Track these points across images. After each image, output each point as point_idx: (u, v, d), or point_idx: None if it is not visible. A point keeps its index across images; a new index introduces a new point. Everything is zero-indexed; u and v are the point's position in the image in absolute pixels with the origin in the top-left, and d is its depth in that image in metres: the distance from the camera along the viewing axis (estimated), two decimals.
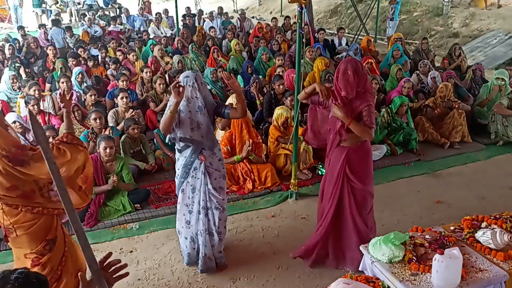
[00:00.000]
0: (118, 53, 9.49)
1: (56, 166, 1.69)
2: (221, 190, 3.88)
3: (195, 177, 3.79)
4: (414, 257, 2.95)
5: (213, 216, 3.88)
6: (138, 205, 5.14)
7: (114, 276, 1.83)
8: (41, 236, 2.99)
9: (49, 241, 3.04)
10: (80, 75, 7.62)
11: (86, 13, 14.98)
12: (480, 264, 2.95)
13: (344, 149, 3.72)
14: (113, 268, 1.83)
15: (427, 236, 3.18)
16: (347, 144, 3.71)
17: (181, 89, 3.49)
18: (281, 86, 6.76)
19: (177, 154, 3.89)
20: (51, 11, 16.64)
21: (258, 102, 7.12)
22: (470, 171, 6.01)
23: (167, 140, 3.91)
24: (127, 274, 1.89)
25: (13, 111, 6.55)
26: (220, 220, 3.92)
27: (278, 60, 8.30)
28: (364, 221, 3.81)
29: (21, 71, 8.29)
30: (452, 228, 3.37)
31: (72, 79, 7.53)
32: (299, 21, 4.63)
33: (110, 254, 1.91)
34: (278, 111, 5.92)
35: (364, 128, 3.56)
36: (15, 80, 7.71)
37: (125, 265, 1.84)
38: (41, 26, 12.48)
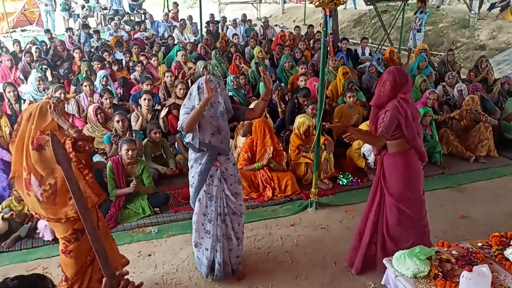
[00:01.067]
0: (141, 58, 9.59)
1: (78, 186, 1.68)
2: (237, 195, 3.82)
3: (212, 184, 3.71)
4: (440, 273, 2.85)
5: (230, 222, 3.83)
6: (158, 209, 5.15)
7: None
8: (69, 224, 3.10)
9: (76, 230, 3.13)
10: (104, 78, 7.71)
11: (113, 18, 15.22)
12: (509, 283, 2.83)
13: (383, 155, 3.74)
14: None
15: (453, 252, 3.08)
16: (388, 150, 3.70)
17: (212, 85, 3.43)
18: (305, 102, 6.65)
19: (191, 162, 3.78)
20: (78, 15, 16.97)
21: (279, 109, 7.08)
22: (496, 186, 5.85)
23: (185, 142, 3.82)
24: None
25: None
26: (238, 226, 3.88)
27: (302, 68, 8.25)
28: (390, 233, 3.74)
29: (48, 73, 8.44)
30: (479, 244, 3.25)
31: (97, 82, 7.64)
32: (324, 29, 4.59)
33: (127, 272, 1.86)
34: (300, 119, 5.87)
35: (370, 136, 3.66)
36: (41, 82, 7.86)
37: (141, 284, 1.79)
38: (68, 29, 12.72)
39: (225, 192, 3.74)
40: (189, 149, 3.76)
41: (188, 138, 3.65)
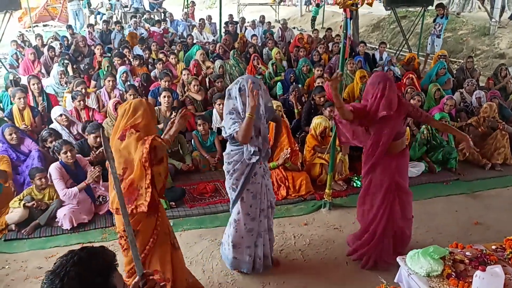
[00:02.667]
0: (160, 55, 9.74)
1: (118, 182, 1.81)
2: (272, 189, 3.98)
3: (255, 182, 3.71)
4: (453, 273, 2.89)
5: (270, 214, 3.98)
6: (173, 203, 5.25)
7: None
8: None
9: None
10: (124, 74, 7.87)
11: (134, 15, 15.45)
12: None
13: (392, 157, 3.88)
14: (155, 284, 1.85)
15: (467, 253, 3.11)
16: (394, 151, 3.88)
17: (254, 92, 3.38)
18: (322, 98, 6.74)
19: (232, 166, 3.69)
20: (99, 12, 17.25)
21: (296, 111, 7.15)
22: (511, 194, 5.83)
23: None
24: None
25: (60, 105, 6.82)
26: (271, 216, 4.03)
27: (318, 70, 8.31)
28: (409, 226, 4.12)
29: (69, 68, 8.63)
30: (493, 247, 3.28)
31: (117, 77, 7.79)
32: (344, 31, 4.65)
33: (156, 271, 1.97)
34: (316, 120, 5.93)
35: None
36: (62, 76, 8.07)
37: (165, 285, 1.87)
38: (89, 26, 12.96)
39: (267, 186, 3.83)
40: (228, 153, 3.72)
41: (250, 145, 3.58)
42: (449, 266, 2.94)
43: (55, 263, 1.47)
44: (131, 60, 9.08)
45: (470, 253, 3.10)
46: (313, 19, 19.66)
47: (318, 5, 19.99)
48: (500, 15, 13.85)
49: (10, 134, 5.41)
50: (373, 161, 3.91)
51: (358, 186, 5.80)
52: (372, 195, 4.03)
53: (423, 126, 6.42)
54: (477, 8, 16.25)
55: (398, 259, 3.17)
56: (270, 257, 4.09)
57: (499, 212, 5.31)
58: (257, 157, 3.58)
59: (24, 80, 7.76)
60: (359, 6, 4.52)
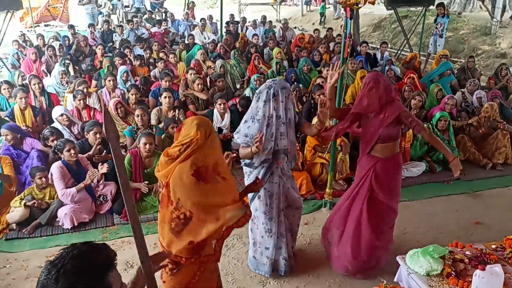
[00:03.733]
0: (161, 55, 9.75)
1: (124, 164, 1.77)
2: (295, 189, 3.93)
3: (272, 182, 3.72)
4: (453, 272, 2.90)
5: (289, 214, 3.94)
6: None
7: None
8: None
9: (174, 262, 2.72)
10: (125, 74, 7.88)
11: (135, 15, 15.48)
12: None
13: (373, 158, 3.70)
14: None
15: (467, 252, 3.12)
16: (378, 155, 3.68)
17: (283, 92, 3.45)
18: (321, 96, 6.74)
19: (245, 168, 3.79)
20: (100, 12, 17.27)
21: (296, 110, 7.12)
22: None
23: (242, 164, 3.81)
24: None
25: (61, 105, 6.84)
26: (294, 217, 3.99)
27: (327, 70, 8.27)
28: (381, 236, 3.78)
29: (70, 67, 8.65)
30: (493, 246, 3.28)
31: (117, 77, 7.80)
32: (345, 30, 4.65)
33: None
34: (317, 119, 5.92)
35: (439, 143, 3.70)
36: (63, 76, 8.08)
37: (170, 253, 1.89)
38: (90, 25, 12.98)
39: (285, 186, 3.79)
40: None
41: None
42: (449, 265, 2.94)
43: (56, 254, 1.48)
44: (132, 60, 9.09)
45: (470, 252, 3.11)
46: (322, 15, 19.76)
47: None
48: (502, 15, 13.85)
49: (6, 135, 5.40)
50: (358, 158, 3.90)
51: None
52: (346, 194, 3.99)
53: (425, 125, 6.39)
54: (479, 8, 16.23)
55: (398, 258, 3.18)
56: (292, 256, 4.10)
57: (500, 212, 5.31)
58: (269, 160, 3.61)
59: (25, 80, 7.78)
60: (360, 5, 4.52)
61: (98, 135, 5.46)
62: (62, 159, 4.95)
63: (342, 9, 4.53)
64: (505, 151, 6.54)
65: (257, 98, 3.56)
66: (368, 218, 3.70)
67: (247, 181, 3.79)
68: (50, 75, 8.74)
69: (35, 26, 16.50)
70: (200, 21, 14.03)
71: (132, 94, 6.92)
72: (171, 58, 9.32)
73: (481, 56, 12.89)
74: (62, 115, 6.00)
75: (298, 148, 5.86)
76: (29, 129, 6.14)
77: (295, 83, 8.02)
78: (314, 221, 5.06)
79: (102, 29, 13.04)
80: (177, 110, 6.49)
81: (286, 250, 3.95)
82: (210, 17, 15.28)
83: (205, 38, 12.83)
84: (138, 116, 5.85)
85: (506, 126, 6.71)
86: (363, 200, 3.72)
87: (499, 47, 12.87)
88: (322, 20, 19.67)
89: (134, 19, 13.47)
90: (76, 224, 4.78)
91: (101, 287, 1.44)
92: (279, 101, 3.44)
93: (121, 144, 6.19)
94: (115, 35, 12.24)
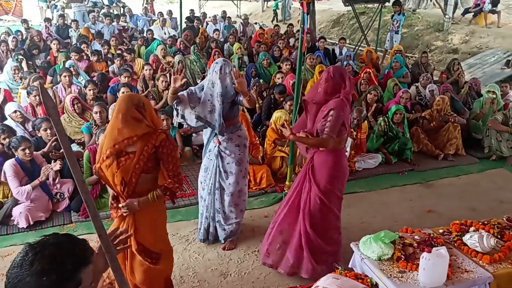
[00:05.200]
0: (119, 51, 9.58)
1: (67, 140, 1.74)
2: (230, 175, 4.14)
3: (209, 158, 4.15)
4: (402, 256, 3.04)
5: (220, 197, 4.20)
6: None
7: (118, 248, 1.92)
8: None
9: None
10: (72, 68, 7.63)
11: (92, 10, 15.12)
12: (466, 266, 3.04)
13: (311, 151, 3.66)
14: (118, 239, 1.92)
15: (416, 237, 3.28)
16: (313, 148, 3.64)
17: (223, 68, 3.85)
18: (281, 98, 6.85)
19: (203, 134, 4.35)
20: (55, 5, 16.76)
21: (257, 105, 7.20)
22: (462, 183, 6.11)
23: (178, 120, 4.15)
24: (130, 246, 1.98)
25: (14, 101, 6.64)
26: (225, 202, 4.23)
27: (286, 65, 8.43)
28: (318, 235, 3.65)
29: (23, 63, 8.38)
30: (441, 231, 3.47)
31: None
32: (302, 25, 4.75)
33: (117, 229, 2.02)
34: (277, 114, 6.03)
35: (316, 140, 3.50)
36: (17, 71, 7.83)
37: (131, 235, 1.91)
38: (47, 20, 12.60)
39: (219, 168, 4.10)
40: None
41: (179, 108, 4.04)
42: (399, 250, 3.09)
43: (37, 240, 1.50)
44: (89, 55, 8.90)
45: (419, 237, 3.27)
46: (275, 13, 19.91)
47: None
48: (453, 12, 14.40)
49: None
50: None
51: None
52: None
53: (381, 118, 6.62)
54: (432, 5, 16.80)
55: (352, 245, 3.30)
56: (215, 233, 4.42)
57: (451, 200, 5.56)
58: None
59: None
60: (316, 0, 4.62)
61: (49, 131, 5.32)
62: (16, 156, 4.81)
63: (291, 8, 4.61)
64: (456, 143, 6.83)
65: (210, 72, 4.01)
66: (303, 213, 3.64)
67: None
68: (2, 70, 8.45)
69: None
70: (159, 15, 13.87)
71: (90, 90, 6.79)
72: (127, 55, 9.19)
73: (434, 52, 13.37)
74: (15, 111, 5.83)
75: (258, 142, 5.95)
76: None
77: (256, 78, 8.09)
78: (274, 213, 5.11)
79: (57, 24, 12.67)
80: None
81: (209, 222, 4.34)
82: (170, 12, 15.13)
83: (165, 34, 12.71)
84: (96, 112, 5.76)
85: (457, 118, 7.02)
86: (306, 197, 3.65)
87: (451, 42, 13.39)
88: (275, 17, 19.82)
89: (91, 14, 13.16)
90: (31, 222, 4.66)
91: (71, 281, 1.46)
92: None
93: (79, 140, 6.08)
94: (71, 30, 11.93)
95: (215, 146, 4.08)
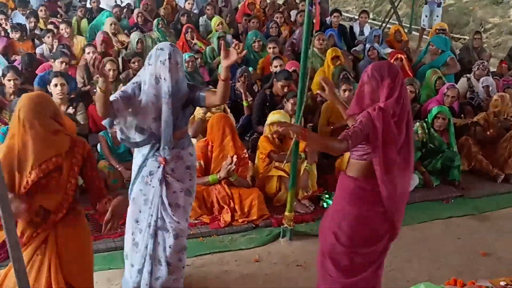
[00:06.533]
0: (50, 26, 9.49)
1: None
2: (177, 208, 3.95)
3: (149, 184, 3.90)
4: None
5: (163, 240, 3.97)
6: None
7: None
8: None
9: None
10: None
11: None
12: None
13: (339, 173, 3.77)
14: None
15: None
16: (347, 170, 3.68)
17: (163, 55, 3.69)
18: (285, 89, 6.81)
19: (135, 151, 4.08)
20: None
21: (245, 104, 7.13)
22: None
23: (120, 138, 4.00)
24: None
25: None
26: (170, 249, 3.97)
27: (270, 48, 8.44)
28: None
29: None
30: (502, 283, 3.46)
31: None
32: None
33: None
34: (273, 116, 6.00)
35: (329, 140, 3.72)
36: None
37: None
38: None
39: (162, 198, 3.88)
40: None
41: (119, 124, 3.86)
42: None
43: None
44: (9, 31, 8.85)
45: None
46: None
47: None
48: None
49: None
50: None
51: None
52: None
53: (417, 124, 6.54)
54: None
55: None
56: None
57: None
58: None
59: None
60: None
61: None
62: None
63: None
64: None
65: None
66: None
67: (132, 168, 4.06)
68: None
69: None
70: None
71: (10, 80, 6.69)
72: (63, 29, 9.13)
73: (490, 32, 13.49)
74: None
75: (247, 156, 5.92)
76: None
77: (243, 65, 8.04)
78: (268, 256, 5.11)
79: None
80: (74, 104, 6.37)
81: (148, 279, 3.98)
82: None
83: (115, 1, 12.68)
84: None
85: None
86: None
87: None
88: None
89: None
90: None
91: None
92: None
93: None
94: None
95: (158, 167, 3.88)
